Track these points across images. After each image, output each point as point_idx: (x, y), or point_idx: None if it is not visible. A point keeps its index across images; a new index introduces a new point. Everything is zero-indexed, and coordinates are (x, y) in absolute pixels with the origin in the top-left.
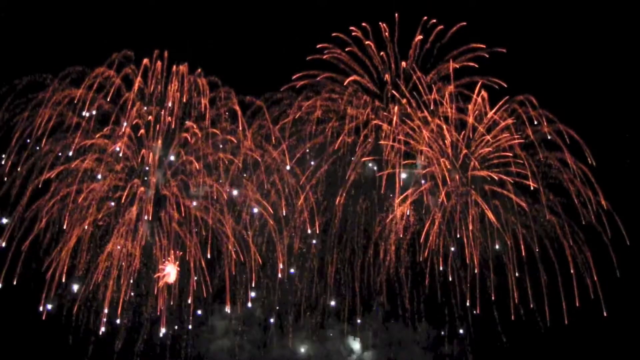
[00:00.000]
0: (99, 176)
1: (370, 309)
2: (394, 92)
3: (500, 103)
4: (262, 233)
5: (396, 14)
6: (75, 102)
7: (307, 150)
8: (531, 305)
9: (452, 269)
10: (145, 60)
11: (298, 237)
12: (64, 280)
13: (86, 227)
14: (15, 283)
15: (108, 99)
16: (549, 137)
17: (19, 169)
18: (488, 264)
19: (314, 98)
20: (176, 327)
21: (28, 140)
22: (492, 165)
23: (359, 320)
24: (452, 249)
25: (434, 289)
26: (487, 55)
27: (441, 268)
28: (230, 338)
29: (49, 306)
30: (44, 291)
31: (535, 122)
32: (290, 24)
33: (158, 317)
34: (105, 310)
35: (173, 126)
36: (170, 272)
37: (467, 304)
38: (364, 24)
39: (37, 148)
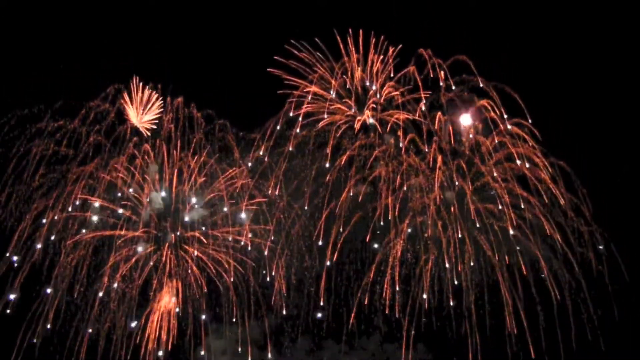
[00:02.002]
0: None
1: (368, 331)
2: (389, 120)
3: (494, 133)
4: (259, 263)
5: (391, 49)
6: (70, 134)
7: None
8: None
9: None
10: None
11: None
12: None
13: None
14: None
15: (103, 131)
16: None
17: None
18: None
19: (307, 129)
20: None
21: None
22: (487, 198)
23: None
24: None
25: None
26: (485, 87)
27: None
28: (227, 358)
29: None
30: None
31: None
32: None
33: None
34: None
35: (168, 158)
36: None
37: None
38: (356, 55)
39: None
